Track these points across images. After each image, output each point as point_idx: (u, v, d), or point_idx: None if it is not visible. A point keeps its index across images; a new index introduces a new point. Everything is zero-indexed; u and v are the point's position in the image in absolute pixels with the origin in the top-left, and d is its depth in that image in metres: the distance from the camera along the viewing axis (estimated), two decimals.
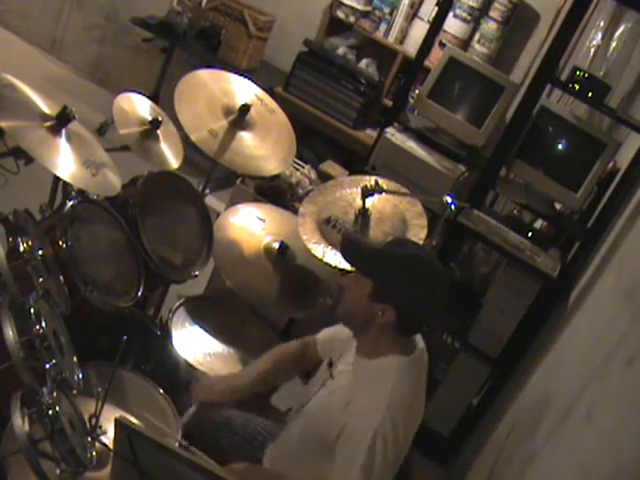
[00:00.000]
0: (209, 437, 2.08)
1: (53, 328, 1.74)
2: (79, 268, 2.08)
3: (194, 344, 2.38)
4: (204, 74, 2.74)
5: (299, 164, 3.51)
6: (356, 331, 1.91)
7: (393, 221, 2.49)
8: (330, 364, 1.96)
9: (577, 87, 2.77)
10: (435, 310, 1.84)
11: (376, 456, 1.72)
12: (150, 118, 2.54)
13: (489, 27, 3.96)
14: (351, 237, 2.10)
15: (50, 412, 1.53)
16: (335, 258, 2.38)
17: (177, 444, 1.96)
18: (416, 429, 1.89)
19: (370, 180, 2.52)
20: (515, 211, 3.44)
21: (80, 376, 1.77)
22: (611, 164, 3.02)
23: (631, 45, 3.44)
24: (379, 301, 1.79)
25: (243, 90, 2.77)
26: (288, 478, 1.92)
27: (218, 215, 2.75)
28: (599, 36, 3.55)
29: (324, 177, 3.47)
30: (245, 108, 2.64)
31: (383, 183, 2.51)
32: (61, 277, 1.98)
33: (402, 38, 4.25)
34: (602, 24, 3.55)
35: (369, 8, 4.22)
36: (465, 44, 4.02)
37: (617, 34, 3.47)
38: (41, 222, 2.16)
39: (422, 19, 4.16)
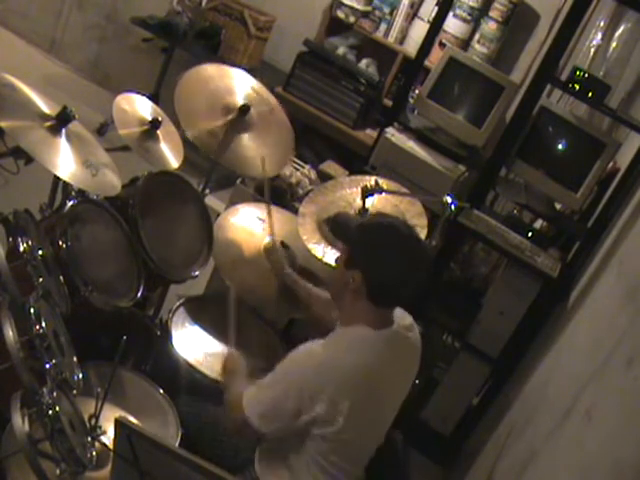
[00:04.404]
0: (209, 436, 2.08)
1: (53, 328, 1.74)
2: (79, 268, 2.08)
3: (194, 344, 2.38)
4: (203, 70, 2.73)
5: (299, 164, 3.50)
6: (336, 300, 1.96)
7: None
8: None
9: (577, 87, 2.77)
10: (404, 279, 1.83)
11: (278, 380, 1.80)
12: (150, 118, 2.54)
13: (489, 27, 3.96)
14: (340, 214, 2.19)
15: (50, 412, 1.53)
16: (335, 258, 2.38)
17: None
18: (385, 407, 1.91)
19: (370, 180, 2.52)
20: (515, 211, 3.44)
21: (80, 376, 1.77)
22: (611, 164, 3.02)
23: (631, 45, 3.43)
24: (351, 267, 1.84)
25: (241, 84, 2.76)
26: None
27: (218, 215, 2.75)
28: (599, 36, 3.55)
29: (324, 177, 3.47)
30: (245, 108, 2.65)
31: (383, 183, 2.51)
32: (61, 277, 1.98)
33: (402, 38, 4.25)
34: (602, 24, 3.55)
35: (369, 8, 4.22)
36: (465, 44, 4.02)
37: (617, 34, 3.47)
38: (41, 222, 2.16)
39: (422, 19, 4.16)
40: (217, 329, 2.49)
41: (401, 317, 1.94)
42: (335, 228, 2.03)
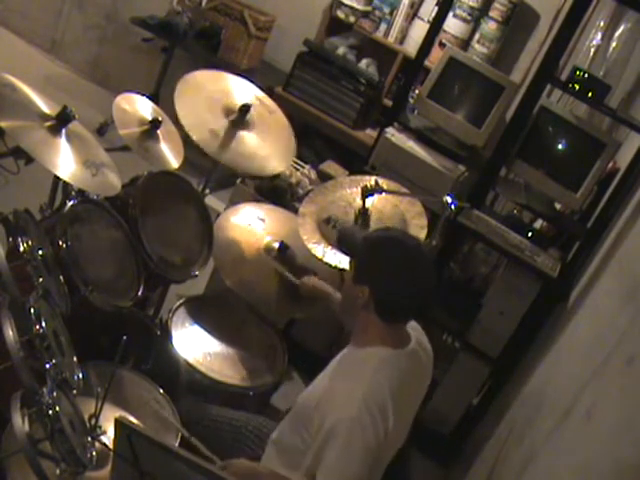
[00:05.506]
0: (211, 435, 2.08)
1: (53, 328, 1.74)
2: (79, 268, 2.09)
3: (194, 344, 2.38)
4: (204, 74, 2.74)
5: (299, 164, 3.50)
6: (347, 317, 1.95)
7: (393, 221, 2.49)
8: None
9: (577, 87, 2.77)
10: (410, 294, 1.80)
11: (352, 446, 1.65)
12: (150, 118, 2.54)
13: (489, 27, 3.96)
14: (345, 228, 2.22)
15: (50, 412, 1.53)
16: (335, 258, 2.38)
17: (180, 434, 1.96)
18: (406, 425, 1.88)
19: (370, 180, 2.52)
20: (515, 211, 3.44)
21: (80, 376, 1.77)
22: (611, 164, 3.02)
23: (631, 45, 3.43)
24: (359, 282, 1.82)
25: (243, 91, 2.77)
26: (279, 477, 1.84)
27: (218, 215, 2.75)
28: (599, 36, 3.54)
29: (324, 177, 3.47)
30: (245, 108, 2.65)
31: (383, 183, 2.51)
32: (61, 277, 1.98)
33: (402, 38, 4.25)
34: (602, 24, 3.55)
35: (369, 8, 4.22)
36: (465, 44, 4.02)
37: (617, 34, 3.47)
38: (41, 222, 2.16)
39: (422, 19, 4.16)
40: (217, 329, 2.49)
41: (415, 329, 1.92)
42: (341, 242, 2.02)
